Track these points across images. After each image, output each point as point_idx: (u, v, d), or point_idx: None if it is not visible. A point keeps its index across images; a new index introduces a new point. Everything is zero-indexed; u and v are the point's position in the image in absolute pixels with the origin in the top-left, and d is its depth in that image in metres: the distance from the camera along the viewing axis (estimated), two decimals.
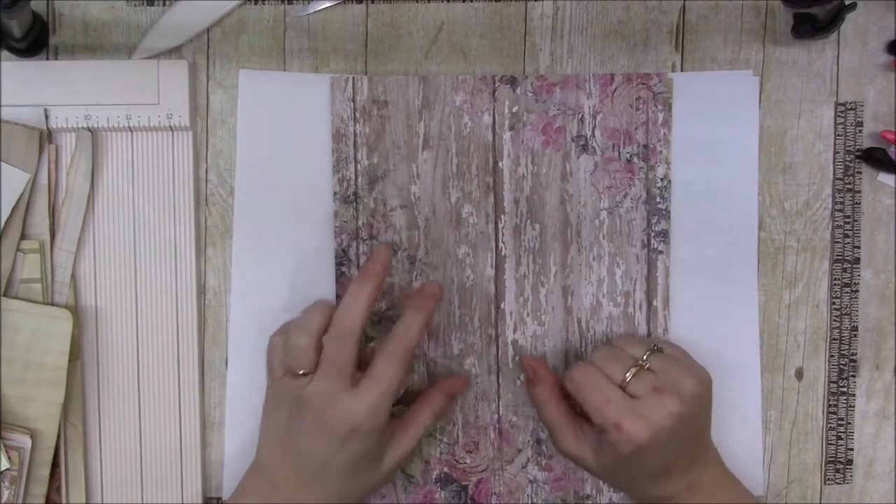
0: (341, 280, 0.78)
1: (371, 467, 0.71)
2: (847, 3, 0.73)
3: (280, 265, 0.78)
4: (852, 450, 0.81)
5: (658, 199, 0.78)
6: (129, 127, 0.76)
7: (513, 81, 0.78)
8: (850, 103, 0.80)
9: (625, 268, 0.78)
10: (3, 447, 0.74)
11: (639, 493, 0.74)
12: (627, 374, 0.70)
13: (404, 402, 0.78)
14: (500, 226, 0.78)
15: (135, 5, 0.79)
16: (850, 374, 0.80)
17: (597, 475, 0.76)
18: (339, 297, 0.78)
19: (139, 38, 0.78)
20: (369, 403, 0.67)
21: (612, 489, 0.79)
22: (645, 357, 0.71)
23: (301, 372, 0.70)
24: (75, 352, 0.76)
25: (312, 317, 0.71)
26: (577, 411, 0.74)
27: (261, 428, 0.73)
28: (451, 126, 0.78)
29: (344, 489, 0.71)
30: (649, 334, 0.78)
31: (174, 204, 0.78)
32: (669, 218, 0.78)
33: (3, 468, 0.74)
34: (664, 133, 0.78)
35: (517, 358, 0.79)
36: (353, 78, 0.78)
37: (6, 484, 0.74)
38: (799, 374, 0.80)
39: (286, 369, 0.71)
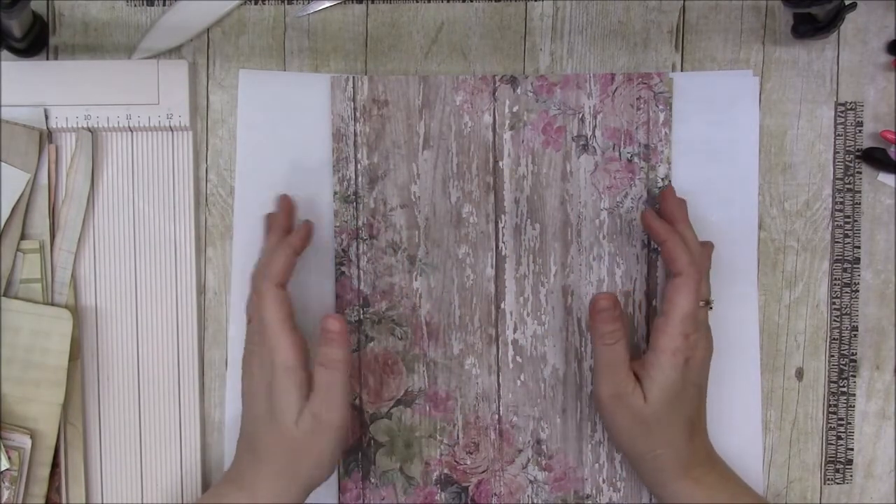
0: (341, 280, 0.78)
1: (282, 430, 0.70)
2: (847, 3, 0.73)
3: None
4: (852, 450, 0.81)
5: (658, 199, 0.78)
6: (129, 127, 0.76)
7: (513, 81, 0.78)
8: (850, 103, 0.80)
9: (625, 268, 0.78)
10: (3, 447, 0.74)
11: (670, 460, 0.73)
12: (702, 302, 0.73)
13: (404, 403, 0.78)
14: (501, 225, 0.78)
15: (135, 5, 0.79)
16: (850, 374, 0.80)
17: (639, 419, 0.72)
18: (338, 296, 0.78)
19: (139, 38, 0.78)
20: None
21: (612, 488, 0.79)
22: (711, 301, 0.75)
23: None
24: (75, 352, 0.76)
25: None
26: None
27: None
28: (451, 126, 0.78)
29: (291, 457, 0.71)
30: (648, 334, 0.78)
31: (174, 204, 0.78)
32: None
33: (3, 468, 0.74)
34: (665, 133, 0.78)
35: (515, 359, 0.79)
36: (354, 77, 0.78)
37: (6, 484, 0.74)
38: (799, 374, 0.80)
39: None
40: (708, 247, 0.76)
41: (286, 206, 0.77)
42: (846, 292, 0.80)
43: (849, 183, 0.80)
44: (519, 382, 0.79)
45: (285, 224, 0.76)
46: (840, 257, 0.80)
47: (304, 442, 0.69)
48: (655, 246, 0.78)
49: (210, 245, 0.79)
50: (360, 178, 0.78)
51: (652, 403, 0.71)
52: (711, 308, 0.74)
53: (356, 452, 0.79)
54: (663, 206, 0.76)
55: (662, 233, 0.73)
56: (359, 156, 0.78)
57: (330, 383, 0.69)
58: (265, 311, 0.70)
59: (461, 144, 0.78)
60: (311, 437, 0.69)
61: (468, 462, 0.79)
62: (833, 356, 0.80)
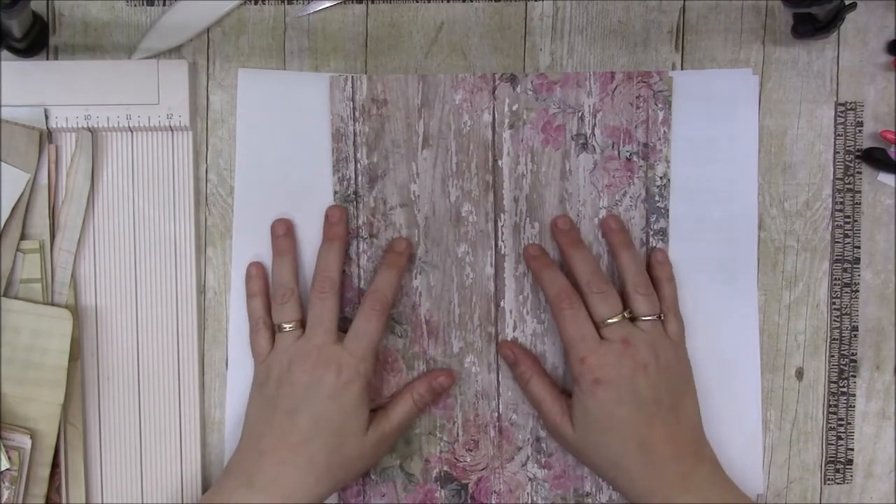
0: (341, 279, 0.78)
1: (356, 432, 0.73)
2: (847, 3, 0.73)
3: None
4: (852, 450, 0.80)
5: (657, 198, 0.78)
6: (129, 127, 0.76)
7: (513, 79, 0.78)
8: (850, 103, 0.80)
9: None
10: (3, 447, 0.74)
11: (627, 482, 0.72)
12: (610, 319, 0.73)
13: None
14: (500, 224, 0.78)
15: (135, 5, 0.79)
16: (850, 374, 0.80)
17: (575, 448, 0.75)
18: (339, 295, 0.78)
19: (139, 38, 0.78)
20: (357, 354, 0.73)
21: (611, 487, 0.78)
22: (627, 314, 0.74)
23: (289, 327, 0.75)
24: (75, 352, 0.76)
25: (283, 274, 0.76)
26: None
27: (245, 417, 0.76)
28: (450, 125, 0.78)
29: (328, 458, 0.72)
30: None
31: (174, 204, 0.78)
32: (668, 216, 0.78)
33: (3, 468, 0.74)
34: (664, 131, 0.78)
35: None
36: (353, 77, 0.78)
37: (6, 484, 0.74)
38: (799, 374, 0.80)
39: (271, 326, 0.77)
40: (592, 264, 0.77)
41: (342, 216, 0.78)
42: (846, 292, 0.80)
43: (849, 183, 0.80)
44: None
45: (345, 236, 0.78)
46: (840, 257, 0.80)
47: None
48: (655, 244, 0.78)
49: (210, 245, 0.79)
50: (359, 178, 0.78)
51: (578, 431, 0.74)
52: (625, 317, 0.74)
53: None
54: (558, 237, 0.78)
55: (534, 265, 0.77)
56: (358, 155, 0.78)
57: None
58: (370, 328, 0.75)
59: (460, 143, 0.78)
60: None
61: (468, 459, 0.79)
62: (833, 356, 0.80)
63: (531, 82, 0.78)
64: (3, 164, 0.75)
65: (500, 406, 0.79)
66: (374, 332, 0.74)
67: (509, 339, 0.79)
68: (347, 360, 0.72)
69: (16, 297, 0.76)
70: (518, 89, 0.78)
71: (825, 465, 0.80)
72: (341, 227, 0.77)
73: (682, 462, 0.72)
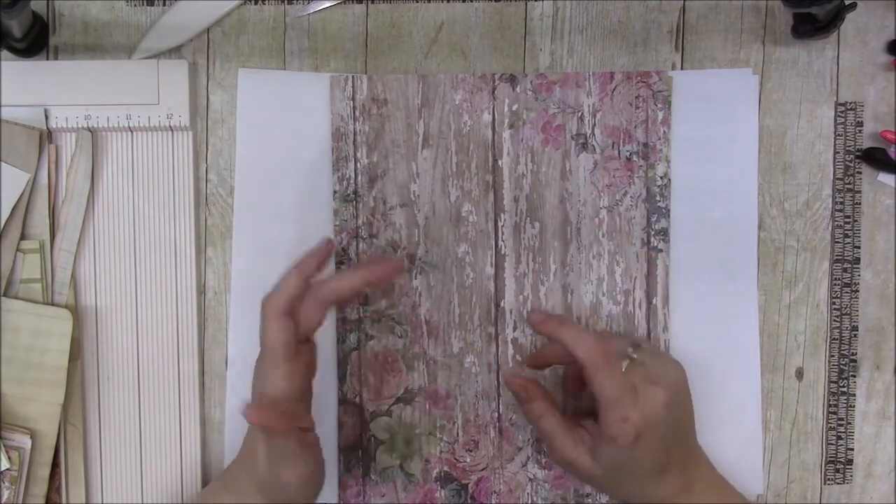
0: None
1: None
2: (847, 3, 0.73)
3: (280, 265, 0.78)
4: (852, 450, 0.80)
5: (658, 198, 0.78)
6: (129, 127, 0.77)
7: (512, 80, 0.78)
8: (850, 103, 0.80)
9: (624, 266, 0.78)
10: (3, 447, 0.74)
11: (636, 496, 0.73)
12: (623, 366, 0.70)
13: (405, 401, 0.78)
14: (500, 224, 0.78)
15: (135, 5, 0.79)
16: (850, 374, 0.80)
17: (593, 480, 0.73)
18: None
19: (139, 38, 0.78)
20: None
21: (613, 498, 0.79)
22: (631, 350, 0.71)
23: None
24: (75, 352, 0.76)
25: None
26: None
27: None
28: (450, 124, 0.78)
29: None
30: (649, 333, 0.78)
31: (174, 204, 0.78)
32: (669, 216, 0.78)
33: (3, 468, 0.74)
34: (664, 131, 0.78)
35: (515, 358, 0.79)
36: (353, 77, 0.78)
37: (6, 484, 0.74)
38: (799, 374, 0.80)
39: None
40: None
41: (325, 251, 0.73)
42: (846, 292, 0.80)
43: (849, 183, 0.80)
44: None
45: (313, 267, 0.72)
46: (840, 257, 0.80)
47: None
48: (655, 244, 0.78)
49: (210, 245, 0.79)
50: (359, 177, 0.78)
51: (606, 470, 0.71)
52: (634, 359, 0.71)
53: (357, 450, 0.79)
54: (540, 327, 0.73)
55: (550, 328, 0.71)
56: (358, 155, 0.78)
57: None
58: (269, 339, 0.68)
59: (460, 143, 0.78)
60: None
61: (468, 460, 0.79)
62: (833, 356, 0.80)
63: (531, 82, 0.78)
64: (3, 164, 0.75)
65: (500, 406, 0.79)
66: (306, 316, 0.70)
67: (510, 339, 0.78)
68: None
69: (16, 297, 0.76)
70: (518, 89, 0.78)
71: (825, 465, 0.80)
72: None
73: (688, 468, 0.72)
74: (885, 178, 0.80)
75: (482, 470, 0.79)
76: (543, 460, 0.79)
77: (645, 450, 0.69)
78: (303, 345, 0.69)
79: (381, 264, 0.72)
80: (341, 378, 0.79)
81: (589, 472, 0.72)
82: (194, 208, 0.78)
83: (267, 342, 0.68)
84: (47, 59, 0.79)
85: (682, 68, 0.79)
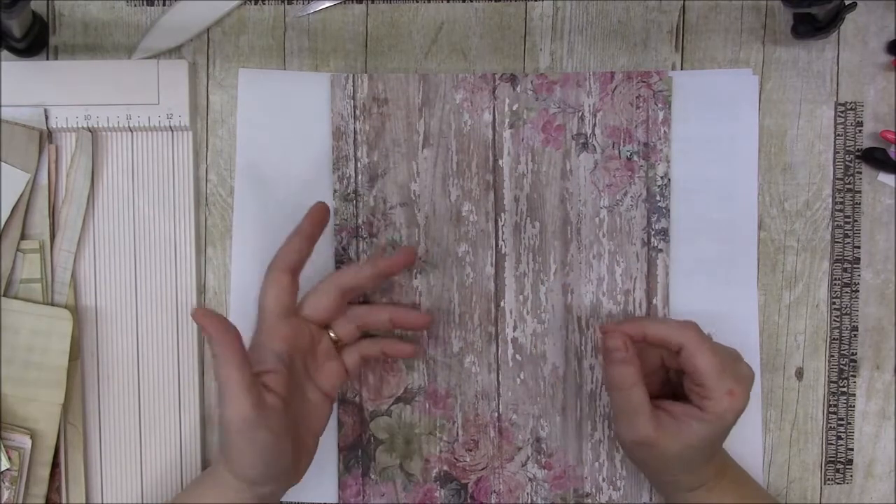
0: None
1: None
2: (847, 3, 0.73)
3: None
4: (852, 450, 0.80)
5: (658, 198, 0.78)
6: (129, 127, 0.77)
7: (513, 79, 0.78)
8: (850, 103, 0.80)
9: (625, 266, 0.78)
10: (3, 447, 0.74)
11: (683, 484, 0.72)
12: None
13: (404, 400, 0.78)
14: (500, 224, 0.78)
15: (135, 5, 0.79)
16: (850, 374, 0.80)
17: (657, 461, 0.71)
18: None
19: (139, 38, 0.79)
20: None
21: (612, 487, 0.79)
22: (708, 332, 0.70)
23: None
24: (75, 352, 0.76)
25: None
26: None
27: None
28: (451, 124, 0.78)
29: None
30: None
31: (174, 204, 0.78)
32: (669, 216, 0.78)
33: (3, 468, 0.74)
34: (664, 131, 0.78)
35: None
36: (354, 76, 0.78)
37: (6, 484, 0.74)
38: (799, 374, 0.80)
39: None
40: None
41: (317, 215, 0.73)
42: (846, 292, 0.80)
43: (849, 183, 0.80)
44: (518, 380, 0.79)
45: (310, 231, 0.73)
46: (840, 257, 0.80)
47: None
48: (656, 244, 0.78)
49: (210, 245, 0.79)
50: (359, 177, 0.78)
51: (680, 449, 0.69)
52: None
53: (356, 449, 0.79)
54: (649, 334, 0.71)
55: (634, 327, 0.70)
56: (358, 154, 0.78)
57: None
58: (262, 296, 0.71)
59: (461, 143, 0.78)
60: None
61: (468, 459, 0.79)
62: (833, 356, 0.80)
63: (531, 82, 0.78)
64: (3, 164, 0.75)
65: (500, 406, 0.79)
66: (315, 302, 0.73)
67: (510, 338, 0.79)
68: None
69: (16, 297, 0.76)
70: (518, 89, 0.78)
71: (825, 465, 0.80)
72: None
73: (723, 454, 0.74)
74: (885, 178, 0.80)
75: (482, 470, 0.79)
76: (543, 460, 0.79)
77: (728, 429, 0.69)
78: (302, 322, 0.72)
79: (394, 253, 0.74)
80: None
81: (662, 451, 0.69)
82: (194, 208, 0.78)
83: (260, 295, 0.71)
84: (47, 59, 0.79)
85: (682, 68, 0.79)
